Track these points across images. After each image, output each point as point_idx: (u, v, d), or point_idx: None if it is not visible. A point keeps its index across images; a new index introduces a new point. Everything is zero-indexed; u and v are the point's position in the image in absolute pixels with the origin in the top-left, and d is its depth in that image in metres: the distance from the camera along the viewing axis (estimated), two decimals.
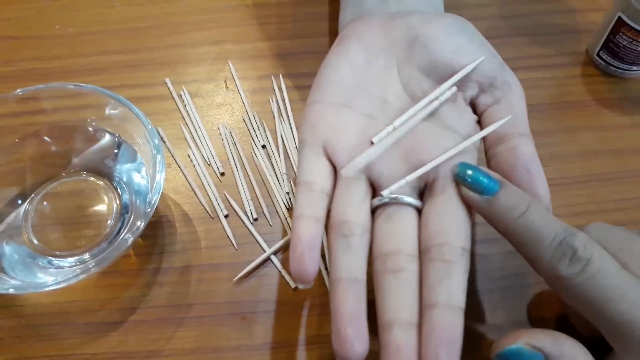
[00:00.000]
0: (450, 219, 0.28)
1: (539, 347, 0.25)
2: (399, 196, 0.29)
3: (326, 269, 0.35)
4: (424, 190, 0.30)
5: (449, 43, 0.32)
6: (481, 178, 0.27)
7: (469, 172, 0.27)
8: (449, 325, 0.25)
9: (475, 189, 0.27)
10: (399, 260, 0.27)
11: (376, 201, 0.29)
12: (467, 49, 0.32)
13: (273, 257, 0.36)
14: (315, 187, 0.29)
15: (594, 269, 0.24)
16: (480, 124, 0.32)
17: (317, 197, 0.29)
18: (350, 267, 0.27)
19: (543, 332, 0.25)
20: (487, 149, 0.31)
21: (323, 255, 0.36)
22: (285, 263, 0.36)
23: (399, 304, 0.26)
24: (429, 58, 0.32)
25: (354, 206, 0.29)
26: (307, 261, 0.26)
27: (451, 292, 0.25)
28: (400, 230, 0.28)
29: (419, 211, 0.29)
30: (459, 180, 0.28)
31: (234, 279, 0.35)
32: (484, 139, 0.31)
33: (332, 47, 0.35)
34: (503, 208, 0.26)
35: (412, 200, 0.29)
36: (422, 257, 0.27)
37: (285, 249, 0.36)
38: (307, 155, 0.30)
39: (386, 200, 0.29)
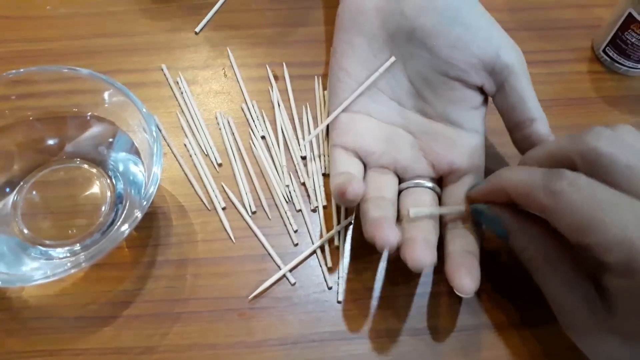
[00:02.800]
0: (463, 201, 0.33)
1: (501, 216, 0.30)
2: (421, 181, 0.34)
3: (328, 268, 0.35)
4: (440, 180, 0.35)
5: (445, 38, 0.33)
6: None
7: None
8: (467, 259, 0.30)
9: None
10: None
11: (403, 185, 0.35)
12: (463, 41, 0.33)
13: (288, 274, 0.34)
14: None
15: (583, 181, 0.25)
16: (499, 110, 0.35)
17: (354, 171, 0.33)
18: (381, 212, 0.31)
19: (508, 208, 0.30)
20: (510, 135, 0.34)
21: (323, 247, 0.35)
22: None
23: (419, 229, 0.31)
24: (428, 56, 0.34)
25: (387, 188, 0.33)
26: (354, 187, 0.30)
27: (467, 243, 0.31)
28: (421, 201, 0.33)
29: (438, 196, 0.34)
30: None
31: (249, 297, 0.33)
32: (505, 126, 0.34)
33: (335, 37, 0.37)
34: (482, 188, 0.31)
35: (431, 184, 0.34)
36: (442, 230, 0.33)
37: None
38: (340, 154, 0.34)
39: (412, 184, 0.34)
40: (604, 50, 0.43)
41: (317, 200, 0.37)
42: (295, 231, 0.36)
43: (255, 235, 0.36)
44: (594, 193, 0.25)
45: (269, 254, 0.35)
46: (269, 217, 0.36)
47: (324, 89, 0.41)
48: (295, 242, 0.35)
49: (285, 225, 0.36)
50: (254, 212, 0.37)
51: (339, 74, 0.36)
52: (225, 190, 0.37)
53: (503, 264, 0.35)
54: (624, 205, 0.25)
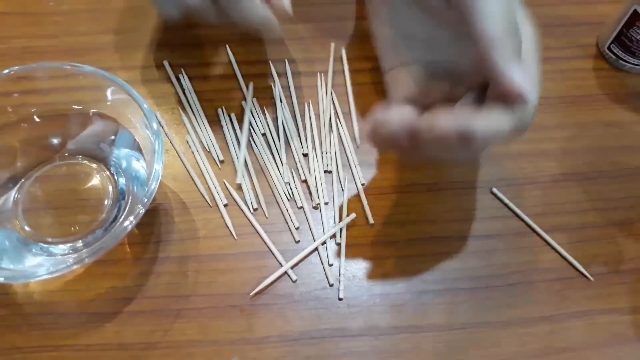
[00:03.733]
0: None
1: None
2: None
3: (329, 265, 0.35)
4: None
5: None
6: None
7: None
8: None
9: None
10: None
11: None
12: None
13: (289, 271, 0.35)
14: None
15: None
16: None
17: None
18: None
19: None
20: None
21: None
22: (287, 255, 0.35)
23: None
24: None
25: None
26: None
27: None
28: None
29: None
30: None
31: (251, 294, 0.34)
32: None
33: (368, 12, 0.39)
34: None
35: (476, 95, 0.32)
36: None
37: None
38: (392, 110, 0.34)
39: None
40: (608, 48, 0.43)
41: (318, 197, 0.37)
42: (297, 228, 0.36)
43: (257, 232, 0.36)
44: None
45: (271, 251, 0.35)
46: (269, 214, 0.36)
47: (327, 85, 0.41)
48: (297, 239, 0.35)
49: (287, 222, 0.36)
50: (255, 209, 0.37)
51: (378, 44, 0.38)
52: (227, 187, 0.37)
53: (502, 263, 0.35)
54: None
